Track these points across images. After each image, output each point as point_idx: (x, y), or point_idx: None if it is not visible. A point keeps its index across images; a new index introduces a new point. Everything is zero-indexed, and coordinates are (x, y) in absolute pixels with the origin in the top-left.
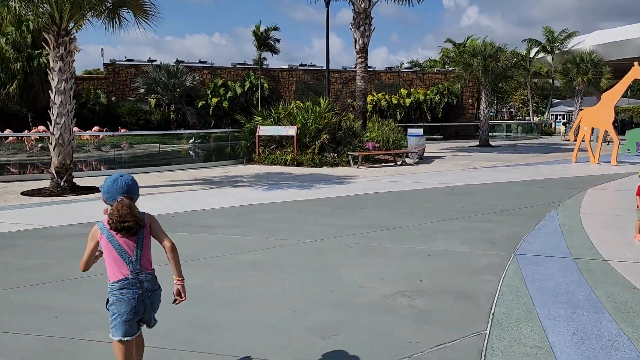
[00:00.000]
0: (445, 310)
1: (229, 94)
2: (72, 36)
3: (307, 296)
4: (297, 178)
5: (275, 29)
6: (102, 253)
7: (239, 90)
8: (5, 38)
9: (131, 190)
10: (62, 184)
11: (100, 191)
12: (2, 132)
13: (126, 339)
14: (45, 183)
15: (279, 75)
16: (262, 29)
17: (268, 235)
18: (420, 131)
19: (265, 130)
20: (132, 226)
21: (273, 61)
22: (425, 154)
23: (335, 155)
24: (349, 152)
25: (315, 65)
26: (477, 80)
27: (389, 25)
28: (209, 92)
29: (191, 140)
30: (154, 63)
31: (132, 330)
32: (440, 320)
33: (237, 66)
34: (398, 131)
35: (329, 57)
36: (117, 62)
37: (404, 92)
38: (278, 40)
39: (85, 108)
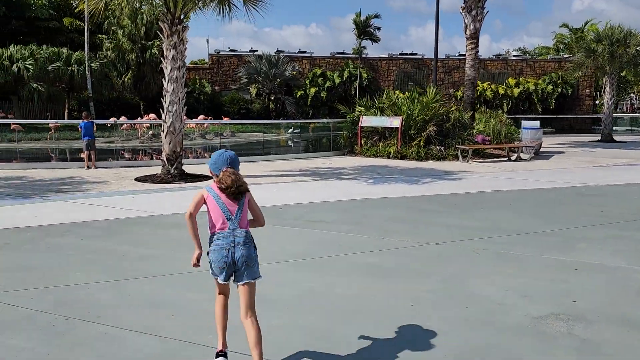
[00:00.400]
0: (617, 343)
1: (327, 83)
2: (185, 24)
3: (440, 311)
4: (402, 172)
5: (376, 16)
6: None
7: (337, 80)
8: (122, 30)
9: (233, 163)
10: (172, 171)
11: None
12: (118, 119)
13: (221, 280)
14: (157, 169)
15: (378, 65)
16: (363, 17)
17: (381, 235)
18: (536, 124)
19: (368, 120)
20: (243, 190)
21: (371, 50)
22: (541, 149)
23: (442, 148)
24: (457, 146)
25: (416, 54)
26: (599, 68)
27: (491, 12)
28: (307, 81)
29: (290, 130)
30: (256, 53)
31: (226, 275)
32: (615, 357)
33: (336, 55)
34: (509, 123)
35: (438, 44)
36: (221, 53)
37: (511, 81)
38: (378, 28)
39: (191, 97)
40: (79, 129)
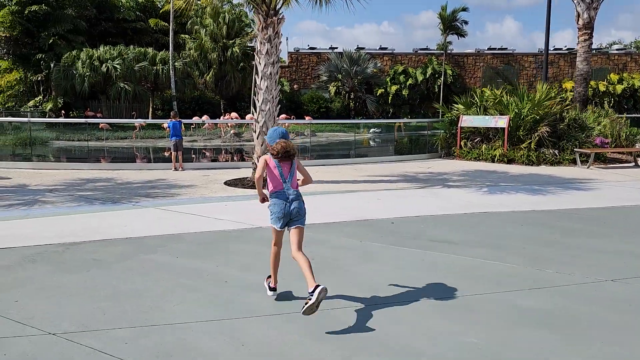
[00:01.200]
0: None
1: (409, 81)
2: (281, 16)
3: None
4: (515, 179)
5: (464, 9)
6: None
7: (420, 77)
8: (204, 29)
9: (285, 136)
10: None
11: None
12: (200, 117)
13: (278, 228)
14: (246, 172)
15: (463, 61)
16: (449, 10)
17: (530, 262)
18: None
19: (468, 120)
20: (292, 154)
21: (455, 46)
22: None
23: (556, 151)
24: (576, 149)
25: (505, 49)
26: None
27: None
28: (388, 79)
29: (372, 130)
30: (335, 50)
31: (283, 223)
32: None
33: (419, 52)
34: (627, 124)
35: (549, 36)
36: (300, 51)
37: (614, 77)
38: (465, 22)
39: None
40: (167, 128)
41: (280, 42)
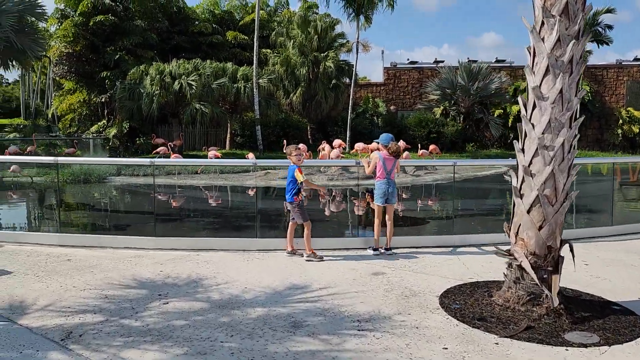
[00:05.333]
0: None
1: None
2: None
3: None
4: None
5: (609, 11)
6: None
7: None
8: (292, 41)
9: (394, 139)
10: (551, 302)
11: None
12: (297, 144)
13: (381, 204)
14: (465, 272)
15: (601, 75)
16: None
17: None
18: None
19: None
20: (399, 154)
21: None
22: None
23: None
24: None
25: None
26: None
27: None
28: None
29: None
30: (441, 65)
31: (384, 200)
32: None
33: None
34: None
35: None
36: (398, 66)
37: None
38: (610, 27)
39: (365, 119)
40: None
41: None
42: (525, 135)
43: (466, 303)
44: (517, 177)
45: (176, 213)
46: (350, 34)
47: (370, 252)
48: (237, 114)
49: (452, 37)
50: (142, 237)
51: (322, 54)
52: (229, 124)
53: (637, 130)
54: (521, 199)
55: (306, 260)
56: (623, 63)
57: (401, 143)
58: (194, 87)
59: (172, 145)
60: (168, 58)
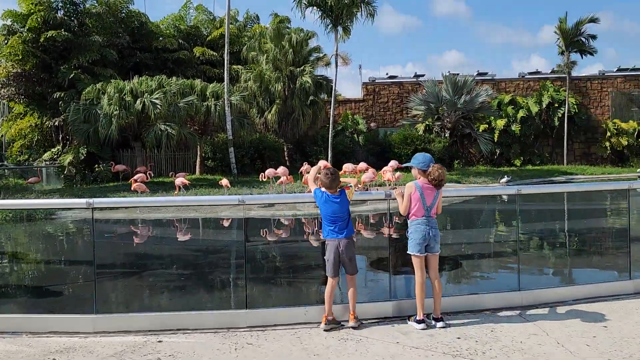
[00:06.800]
0: None
1: (520, 113)
2: None
3: None
4: None
5: (592, 20)
6: None
7: (534, 109)
8: (264, 55)
9: (434, 160)
10: None
11: None
12: (275, 169)
13: (419, 254)
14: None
15: (585, 86)
16: (571, 23)
17: None
18: None
19: None
20: (442, 184)
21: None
22: None
23: None
24: None
25: None
26: None
27: None
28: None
29: (503, 179)
30: (422, 78)
31: (423, 249)
32: None
33: (526, 77)
34: None
35: None
36: (377, 81)
37: None
38: (593, 37)
39: (345, 137)
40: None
41: None
42: None
43: None
44: None
45: (127, 271)
46: (326, 48)
47: (412, 324)
48: (208, 135)
49: (415, 56)
50: (75, 316)
51: (298, 69)
52: (198, 147)
53: (626, 143)
54: None
55: (326, 326)
56: (606, 74)
57: (392, 163)
58: (158, 106)
59: (146, 172)
60: (130, 77)
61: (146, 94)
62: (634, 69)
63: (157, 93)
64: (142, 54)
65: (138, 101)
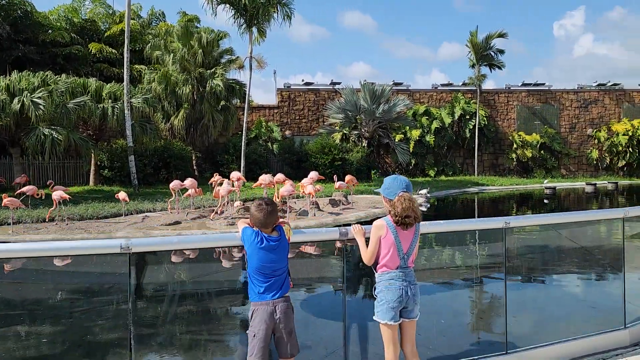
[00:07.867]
0: None
1: (434, 124)
2: None
3: None
4: None
5: (501, 35)
6: None
7: (447, 120)
8: (171, 55)
9: (409, 187)
10: None
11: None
12: (182, 181)
13: (391, 322)
14: None
15: (493, 99)
16: (481, 37)
17: None
18: None
19: None
20: (412, 221)
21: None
22: None
23: None
24: None
25: (542, 84)
26: None
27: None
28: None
29: (422, 191)
30: (338, 87)
31: (396, 316)
32: None
33: (439, 88)
34: None
35: None
36: (292, 87)
37: None
38: (501, 52)
39: (258, 145)
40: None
41: None
42: None
43: None
44: None
45: None
46: (239, 50)
47: None
48: (104, 141)
49: (324, 66)
50: None
51: (208, 71)
52: (92, 154)
53: (530, 155)
54: None
55: None
56: (512, 88)
57: (313, 174)
58: (41, 107)
59: (22, 183)
60: (8, 72)
61: (26, 92)
62: (536, 84)
63: (40, 91)
64: (27, 47)
65: (16, 100)
